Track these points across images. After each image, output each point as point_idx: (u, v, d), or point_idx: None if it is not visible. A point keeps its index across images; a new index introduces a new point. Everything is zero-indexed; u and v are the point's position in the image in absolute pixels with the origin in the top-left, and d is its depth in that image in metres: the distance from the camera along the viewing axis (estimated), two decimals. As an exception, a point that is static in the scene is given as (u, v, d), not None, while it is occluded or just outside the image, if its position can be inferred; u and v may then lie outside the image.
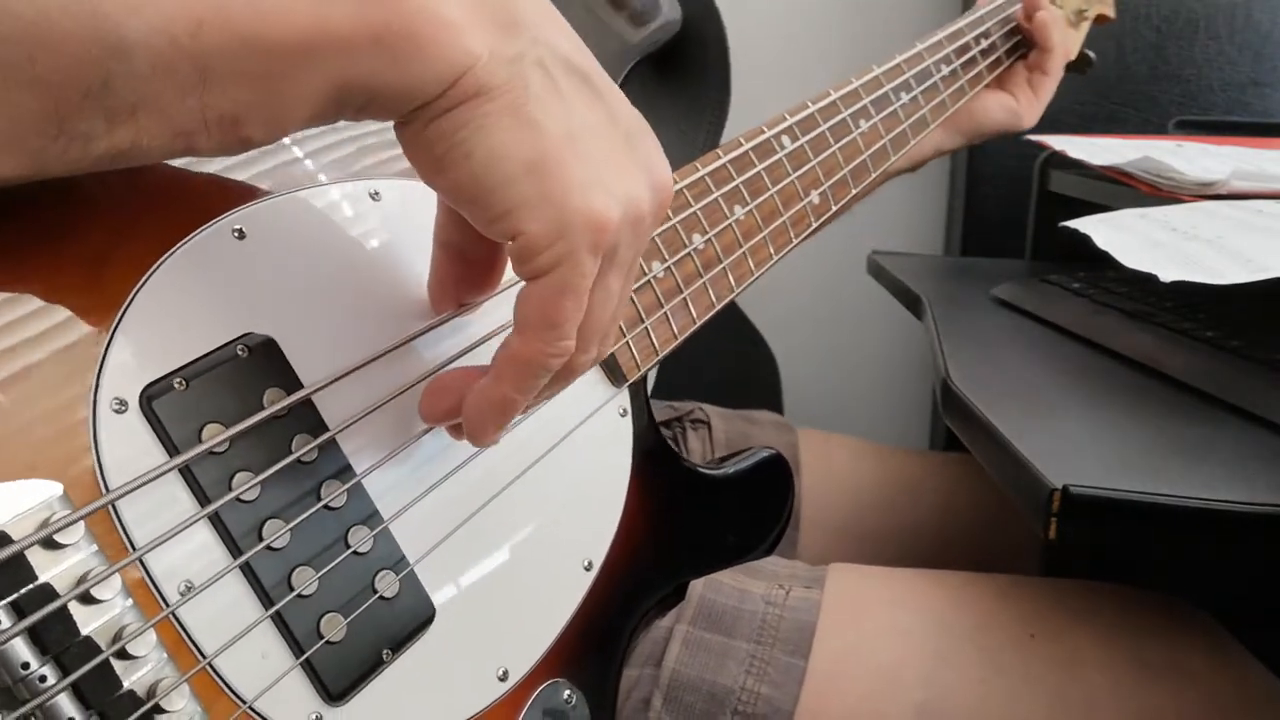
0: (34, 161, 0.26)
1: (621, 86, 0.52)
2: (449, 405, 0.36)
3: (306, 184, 0.38)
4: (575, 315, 0.32)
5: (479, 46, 0.28)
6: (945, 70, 0.71)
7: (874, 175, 0.62)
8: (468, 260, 0.37)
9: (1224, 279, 0.52)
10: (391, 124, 0.31)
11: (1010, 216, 1.11)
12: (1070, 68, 0.86)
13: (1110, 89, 1.15)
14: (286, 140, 0.39)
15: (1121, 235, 0.62)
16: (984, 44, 0.76)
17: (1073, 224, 0.66)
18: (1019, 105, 0.80)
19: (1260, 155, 0.83)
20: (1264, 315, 0.61)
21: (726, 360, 1.20)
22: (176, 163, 0.35)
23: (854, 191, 0.61)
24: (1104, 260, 0.60)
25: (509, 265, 0.34)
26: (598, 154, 0.31)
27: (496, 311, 0.41)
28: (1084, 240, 0.63)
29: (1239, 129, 1.04)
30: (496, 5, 0.29)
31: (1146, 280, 0.56)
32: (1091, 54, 0.87)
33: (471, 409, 0.34)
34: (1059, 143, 0.88)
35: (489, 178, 0.29)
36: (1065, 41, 0.82)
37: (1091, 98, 1.15)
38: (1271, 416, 0.48)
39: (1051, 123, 0.84)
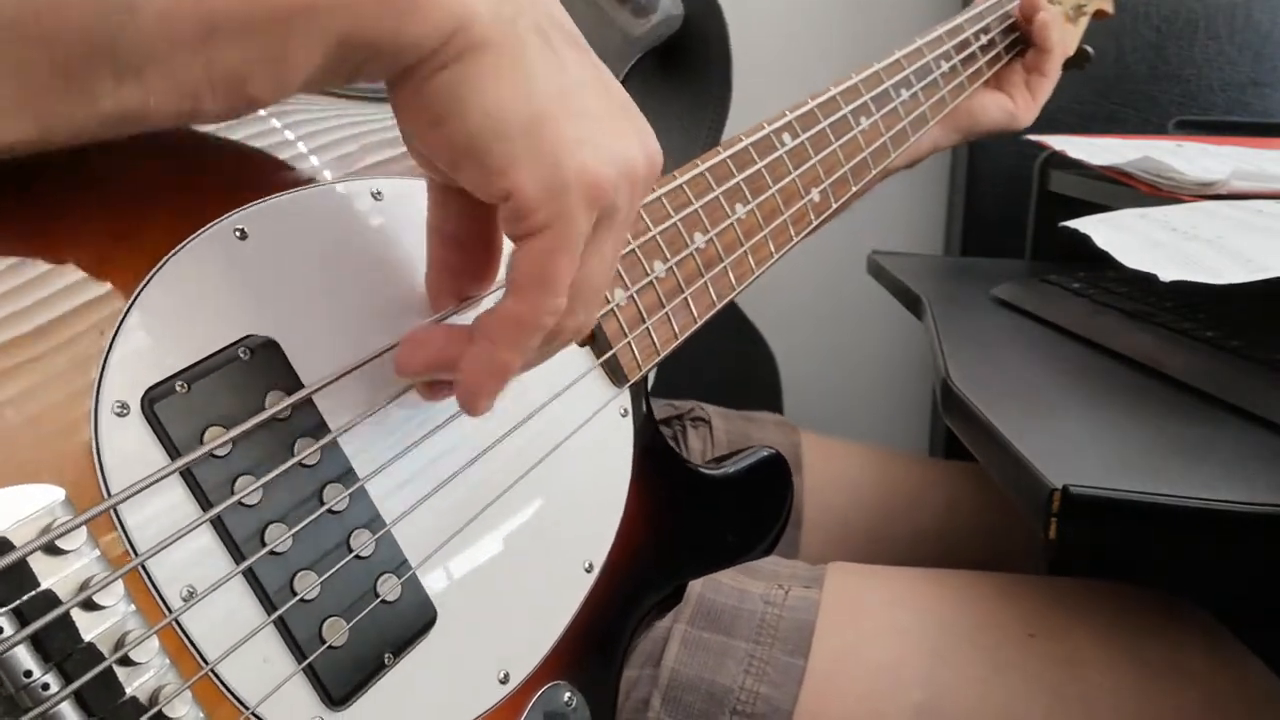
0: (41, 124, 0.26)
1: (625, 80, 0.52)
2: (426, 357, 0.35)
3: (308, 183, 0.38)
4: (568, 273, 0.31)
5: (478, 2, 0.28)
6: (945, 66, 0.71)
7: (874, 172, 0.62)
8: (464, 247, 0.37)
9: (1224, 279, 0.52)
10: (393, 123, 0.31)
11: (1010, 216, 1.11)
12: (1069, 64, 0.86)
13: (1110, 89, 1.15)
14: (290, 136, 0.39)
15: (1121, 235, 0.62)
16: (983, 40, 0.76)
17: (1073, 224, 0.66)
18: (1016, 106, 0.80)
19: (1260, 155, 0.83)
20: (1264, 315, 0.61)
21: (726, 360, 1.20)
22: (177, 158, 0.35)
23: (854, 189, 0.60)
24: (1104, 260, 0.60)
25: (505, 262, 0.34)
26: (593, 113, 0.31)
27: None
28: (1084, 240, 0.63)
29: (1239, 129, 1.05)
30: None
31: (1146, 280, 0.56)
32: (1090, 50, 0.87)
33: (467, 375, 0.34)
34: (1059, 143, 0.88)
35: (484, 133, 0.29)
36: (1064, 39, 0.82)
37: (1091, 98, 1.15)
38: (1271, 416, 0.48)
39: (1051, 123, 0.85)
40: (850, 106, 0.60)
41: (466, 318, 0.40)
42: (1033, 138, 0.91)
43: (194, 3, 0.25)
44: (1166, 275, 0.54)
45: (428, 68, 0.29)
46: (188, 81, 0.27)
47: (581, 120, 0.31)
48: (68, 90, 0.25)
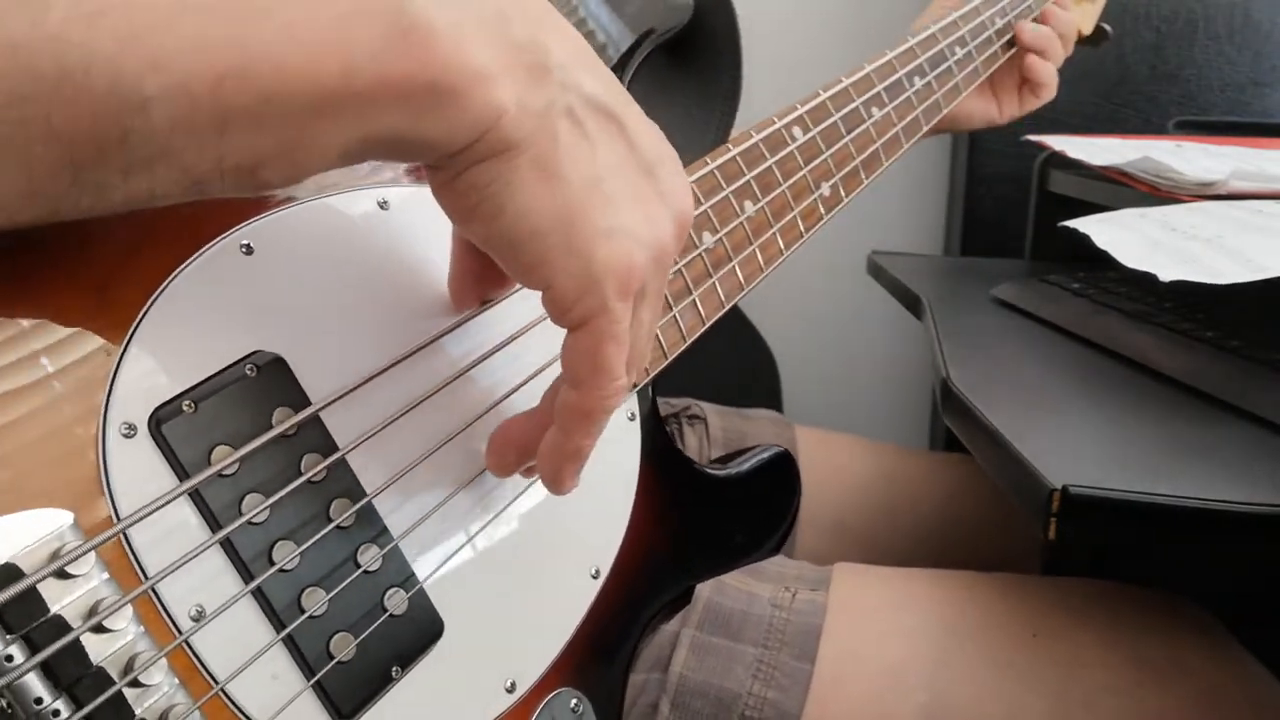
0: (49, 209, 0.26)
1: (641, 67, 0.51)
2: (515, 458, 0.38)
3: (313, 194, 0.38)
4: (621, 358, 0.32)
5: (507, 98, 0.28)
6: (960, 53, 0.69)
7: (885, 164, 0.62)
8: (486, 254, 0.37)
9: (1224, 279, 0.52)
10: None
11: (1010, 216, 1.11)
12: (1086, 41, 0.85)
13: (1110, 89, 1.15)
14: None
15: (1121, 235, 0.62)
16: (999, 24, 0.74)
17: (1072, 224, 0.66)
18: (1000, 116, 0.80)
19: (1260, 155, 0.83)
20: (1264, 315, 0.61)
21: (726, 361, 1.20)
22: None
23: (865, 182, 0.60)
24: (1104, 260, 0.60)
25: None
26: (621, 195, 0.31)
27: (518, 310, 0.41)
28: (1084, 240, 0.63)
29: (1239, 129, 1.04)
30: (528, 48, 0.29)
31: (1146, 280, 0.56)
32: (1108, 28, 0.86)
33: (547, 465, 0.36)
34: (1059, 143, 0.88)
35: (516, 232, 0.30)
36: (1080, 20, 0.82)
37: (1091, 98, 1.15)
38: (1271, 416, 0.48)
39: (1051, 123, 0.85)
40: (863, 98, 0.59)
41: (476, 327, 0.40)
42: (1033, 138, 0.91)
43: (208, 103, 0.25)
44: (1166, 275, 0.54)
45: (458, 164, 0.29)
46: (198, 173, 0.26)
47: (609, 208, 0.31)
48: (76, 183, 0.25)
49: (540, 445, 0.36)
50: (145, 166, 0.25)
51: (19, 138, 0.24)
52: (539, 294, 0.32)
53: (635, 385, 0.36)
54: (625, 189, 0.32)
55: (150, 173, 0.26)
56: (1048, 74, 0.78)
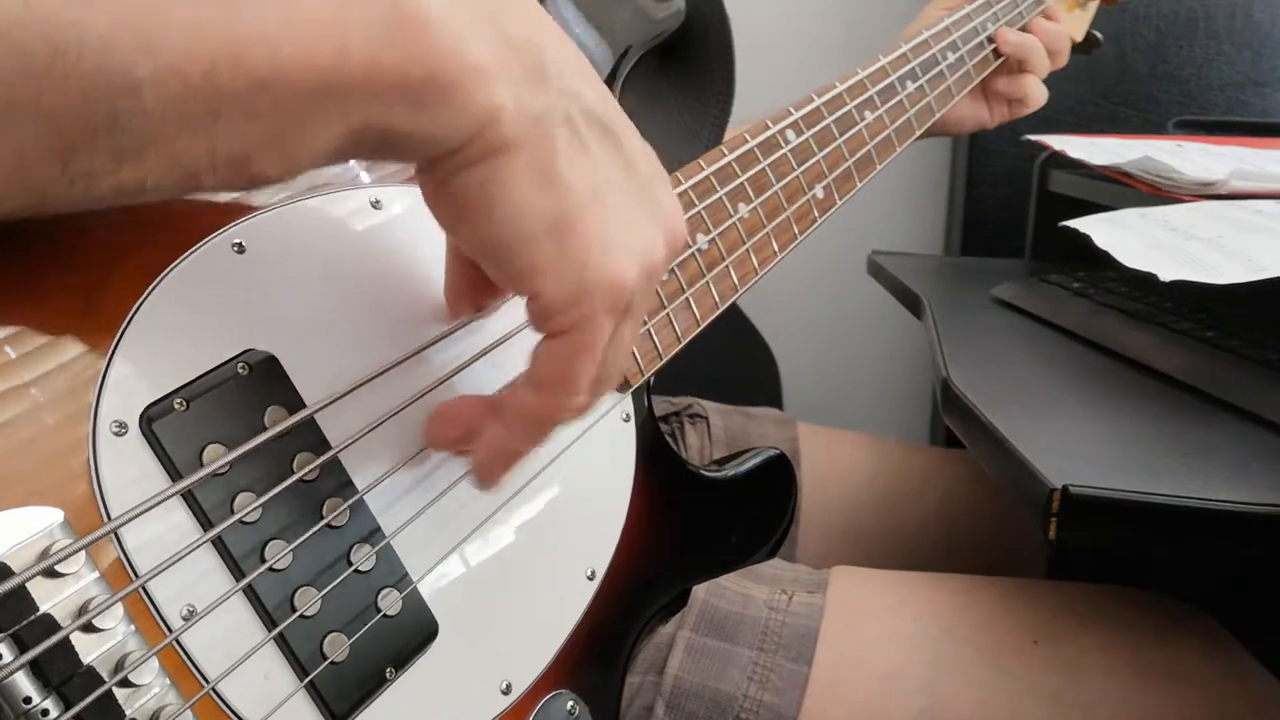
0: (38, 198, 0.26)
1: (633, 71, 0.51)
2: (456, 435, 0.37)
3: (306, 193, 0.38)
4: (590, 374, 0.32)
5: (504, 97, 0.28)
6: (951, 58, 0.70)
7: (879, 167, 0.62)
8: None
9: (1223, 279, 0.52)
10: None
11: (1010, 216, 1.11)
12: (1078, 49, 0.85)
13: (1110, 89, 1.15)
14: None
15: (1121, 235, 0.62)
16: (992, 29, 0.75)
17: (1073, 224, 0.66)
18: (991, 121, 0.80)
19: (1260, 155, 0.83)
20: (1264, 315, 0.61)
21: (726, 361, 1.20)
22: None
23: (859, 185, 0.60)
24: (1104, 260, 0.60)
25: None
26: (617, 210, 0.31)
27: (509, 314, 0.41)
28: (1084, 240, 0.63)
29: (1239, 129, 1.04)
30: (525, 51, 0.28)
31: (1146, 280, 0.56)
32: (1099, 35, 0.86)
33: (482, 459, 0.35)
34: (1059, 143, 0.88)
35: (510, 235, 0.29)
36: (1071, 28, 0.82)
37: (1091, 98, 1.15)
38: (1271, 416, 0.48)
39: (1051, 123, 0.84)
40: (855, 101, 0.60)
41: (474, 329, 0.40)
42: (1033, 138, 0.91)
43: (200, 88, 0.24)
44: (1166, 275, 0.54)
45: (452, 164, 0.28)
46: (190, 162, 0.26)
47: (605, 220, 0.30)
48: (66, 169, 0.25)
49: (482, 435, 0.35)
50: (136, 153, 0.25)
51: (9, 119, 0.23)
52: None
53: (594, 401, 0.35)
54: (622, 204, 0.31)
55: (141, 160, 0.25)
56: (1025, 88, 0.78)
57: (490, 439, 0.35)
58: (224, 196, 0.35)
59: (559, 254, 0.30)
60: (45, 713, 0.27)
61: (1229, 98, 1.14)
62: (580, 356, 0.31)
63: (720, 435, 0.85)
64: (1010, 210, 1.12)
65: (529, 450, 0.35)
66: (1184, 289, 0.54)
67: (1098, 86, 1.14)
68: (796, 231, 0.55)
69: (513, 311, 0.41)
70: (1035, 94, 0.79)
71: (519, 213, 0.29)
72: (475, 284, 0.38)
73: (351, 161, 0.40)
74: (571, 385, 0.32)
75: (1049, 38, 0.78)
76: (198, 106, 0.25)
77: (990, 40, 0.75)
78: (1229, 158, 0.81)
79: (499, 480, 0.36)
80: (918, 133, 0.66)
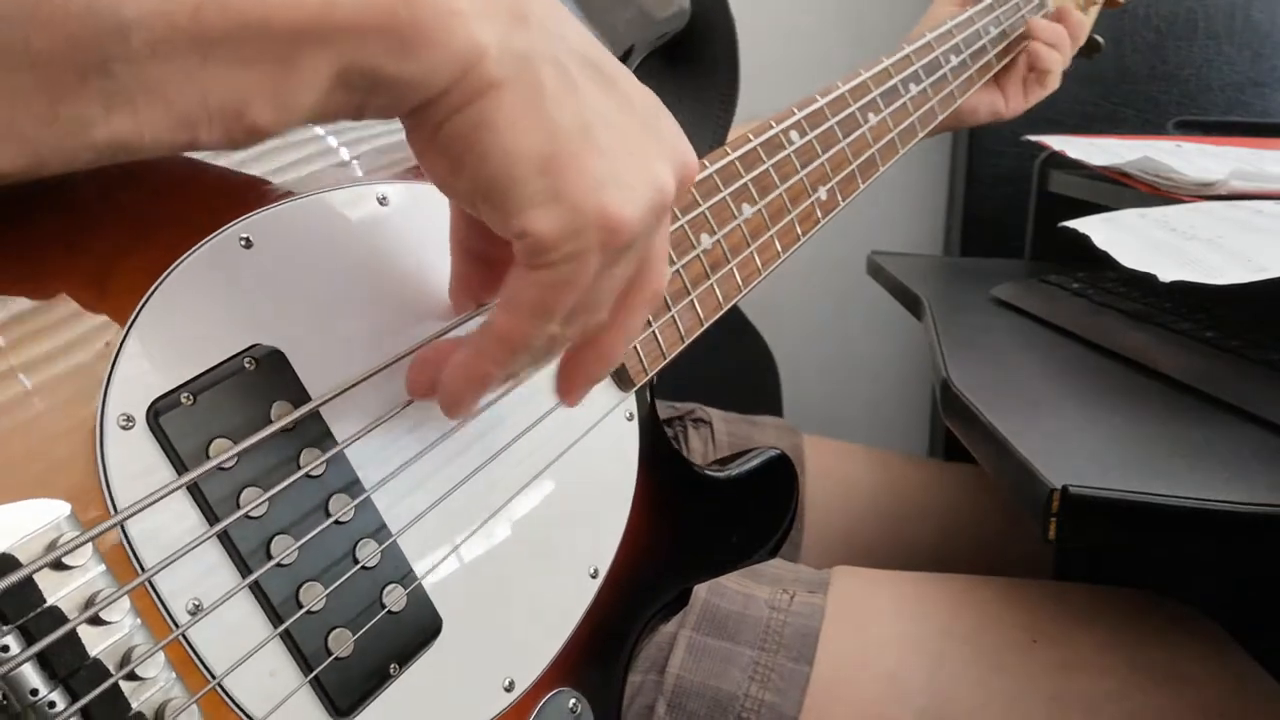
0: (31, 151, 0.25)
1: (638, 70, 0.51)
2: (434, 376, 0.35)
3: (314, 189, 0.38)
4: (567, 305, 0.31)
5: (487, 37, 0.28)
6: (954, 61, 0.70)
7: (881, 169, 0.62)
8: (489, 261, 0.37)
9: (1223, 279, 0.52)
10: (398, 125, 0.31)
11: (1010, 216, 1.11)
12: (1080, 53, 0.85)
13: (1110, 89, 1.15)
14: (294, 141, 0.39)
15: (1121, 235, 0.62)
16: (994, 33, 0.75)
17: (1072, 224, 0.66)
18: (1006, 108, 0.81)
19: (1260, 155, 0.83)
20: (1264, 315, 0.61)
21: (726, 360, 1.20)
22: (182, 168, 0.34)
23: (861, 187, 0.60)
24: (1104, 260, 0.60)
25: None
26: (614, 147, 0.30)
27: None
28: (1084, 240, 0.63)
29: (1238, 129, 1.05)
30: None
31: (1146, 280, 0.56)
32: (1100, 39, 0.86)
33: (448, 381, 0.34)
34: (1059, 143, 0.88)
35: (501, 177, 0.29)
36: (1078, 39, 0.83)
37: (1091, 98, 1.15)
38: (1271, 416, 0.48)
39: (1051, 123, 0.85)
40: (858, 103, 0.60)
41: (475, 324, 0.40)
42: (1033, 138, 0.91)
43: (187, 29, 0.25)
44: (1166, 275, 0.54)
45: (440, 111, 0.28)
46: (183, 110, 0.26)
47: (603, 158, 0.30)
48: (58, 119, 0.25)
49: (451, 360, 0.34)
50: (127, 101, 0.25)
51: None
52: None
53: (571, 337, 0.34)
54: (618, 140, 0.31)
55: (133, 108, 0.25)
56: (1054, 61, 0.79)
57: (457, 361, 0.34)
58: (231, 192, 0.36)
59: (551, 192, 0.29)
60: (52, 704, 0.27)
61: (1229, 98, 1.14)
62: (561, 289, 0.30)
63: (724, 441, 0.85)
64: (1010, 210, 1.12)
65: (495, 376, 0.33)
66: (1184, 289, 0.54)
67: (1098, 86, 1.14)
68: (800, 233, 0.55)
69: None
70: (1059, 69, 0.80)
71: (509, 153, 0.29)
72: (480, 281, 0.38)
73: (355, 163, 0.40)
74: (545, 314, 0.31)
75: (1074, 27, 0.79)
76: (186, 49, 0.25)
77: (994, 43, 0.75)
78: (1229, 158, 0.81)
79: (468, 407, 0.34)
80: (921, 135, 0.66)
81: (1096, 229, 0.63)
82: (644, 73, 0.52)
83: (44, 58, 0.24)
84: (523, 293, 0.31)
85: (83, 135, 0.25)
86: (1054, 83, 0.80)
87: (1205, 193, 0.74)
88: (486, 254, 0.36)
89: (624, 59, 0.51)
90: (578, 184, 0.29)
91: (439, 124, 0.29)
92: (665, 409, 0.87)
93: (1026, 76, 0.80)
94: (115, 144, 0.26)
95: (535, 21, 0.29)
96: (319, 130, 0.40)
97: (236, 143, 0.28)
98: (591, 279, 0.31)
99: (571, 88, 0.30)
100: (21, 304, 0.29)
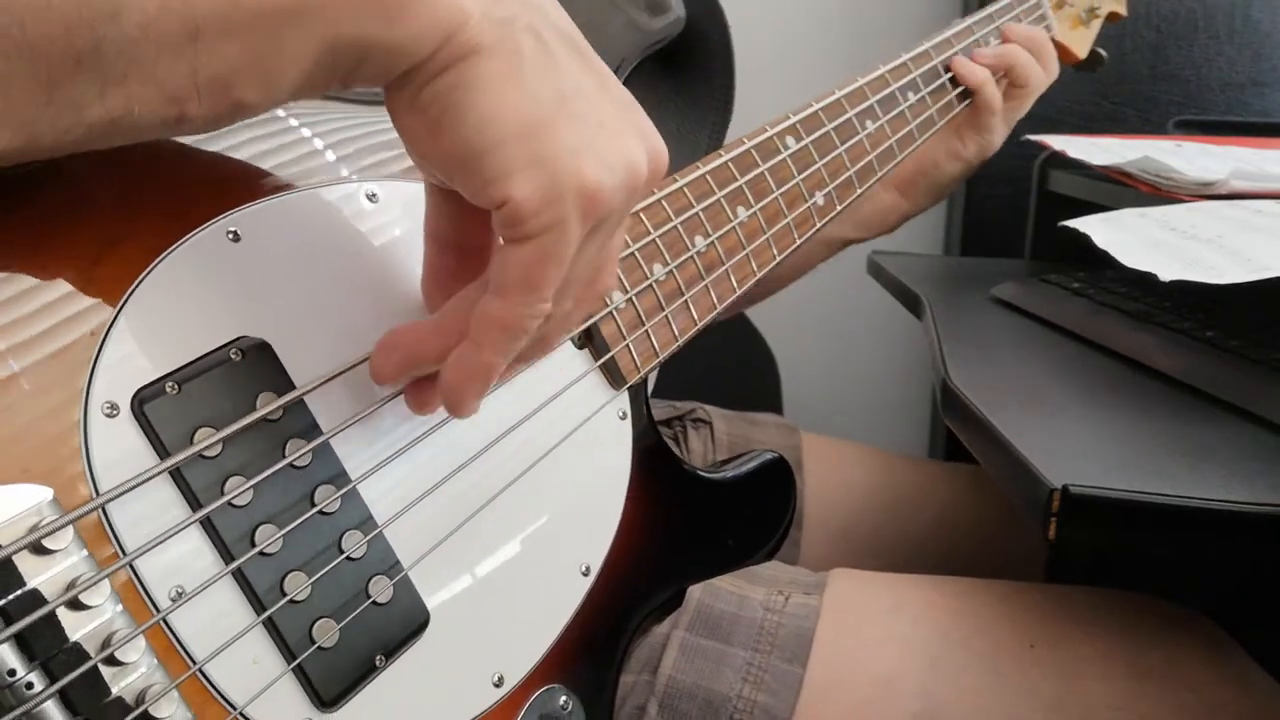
0: (26, 133, 0.26)
1: (631, 75, 0.51)
2: (399, 359, 0.35)
3: (303, 185, 0.38)
4: (555, 279, 0.31)
5: (470, 3, 0.28)
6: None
7: (880, 174, 0.62)
8: (461, 252, 0.37)
9: (1224, 279, 0.52)
10: (389, 125, 0.31)
11: (1010, 216, 1.11)
12: (1081, 67, 0.85)
13: (1110, 89, 1.15)
14: (285, 139, 0.39)
15: (1121, 235, 0.62)
16: (994, 44, 0.75)
17: (1072, 224, 0.66)
18: (967, 152, 0.77)
19: (1260, 155, 0.82)
20: (1264, 315, 0.60)
21: (726, 359, 1.20)
22: (171, 161, 0.35)
23: (859, 192, 0.60)
24: (1104, 260, 0.60)
25: None
26: (592, 119, 0.31)
27: None
28: (1084, 240, 0.63)
29: (1238, 129, 1.04)
30: None
31: (1146, 280, 0.56)
32: (1103, 52, 0.86)
33: (449, 379, 0.33)
34: (1059, 143, 0.88)
35: (480, 140, 0.29)
36: (1074, 45, 0.82)
37: (1091, 98, 1.15)
38: (1271, 416, 0.48)
39: (1051, 123, 0.84)
40: (855, 110, 0.60)
41: None
42: (1033, 138, 0.91)
43: (177, 8, 0.25)
44: (1166, 275, 0.54)
45: (423, 75, 0.28)
46: (173, 87, 0.26)
47: (581, 126, 0.30)
48: (51, 100, 0.25)
49: (449, 358, 0.33)
50: (120, 79, 0.26)
51: None
52: None
53: (573, 317, 0.34)
54: (594, 115, 0.31)
55: (125, 87, 0.26)
56: (1034, 75, 0.76)
57: (459, 360, 0.33)
58: (219, 185, 0.36)
59: (530, 157, 0.29)
60: (30, 685, 0.27)
61: (1229, 98, 1.14)
62: (546, 261, 0.30)
63: (723, 440, 0.85)
64: (1010, 210, 1.12)
65: (499, 365, 0.33)
66: (1184, 289, 0.54)
67: (1098, 86, 1.14)
68: (796, 237, 0.56)
69: None
70: (1027, 69, 0.75)
71: (488, 117, 0.29)
72: (451, 272, 0.37)
73: (344, 161, 0.40)
74: (534, 291, 0.31)
75: (1032, 41, 0.75)
76: (176, 27, 0.25)
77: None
78: (1229, 158, 0.81)
79: (474, 403, 0.34)
80: (919, 141, 0.66)
81: (1096, 229, 0.63)
82: (637, 79, 0.52)
83: (40, 43, 0.24)
84: (508, 272, 0.31)
85: (77, 115, 0.26)
86: (1032, 95, 0.77)
87: (1205, 192, 0.74)
88: (459, 242, 0.36)
89: (614, 72, 0.51)
90: (556, 150, 0.29)
91: (419, 89, 0.29)
92: (665, 408, 0.87)
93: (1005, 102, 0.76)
94: (108, 123, 0.26)
95: None
96: (307, 131, 0.40)
97: (224, 118, 0.28)
98: (573, 250, 0.31)
99: (551, 58, 0.30)
100: (9, 290, 0.30)
